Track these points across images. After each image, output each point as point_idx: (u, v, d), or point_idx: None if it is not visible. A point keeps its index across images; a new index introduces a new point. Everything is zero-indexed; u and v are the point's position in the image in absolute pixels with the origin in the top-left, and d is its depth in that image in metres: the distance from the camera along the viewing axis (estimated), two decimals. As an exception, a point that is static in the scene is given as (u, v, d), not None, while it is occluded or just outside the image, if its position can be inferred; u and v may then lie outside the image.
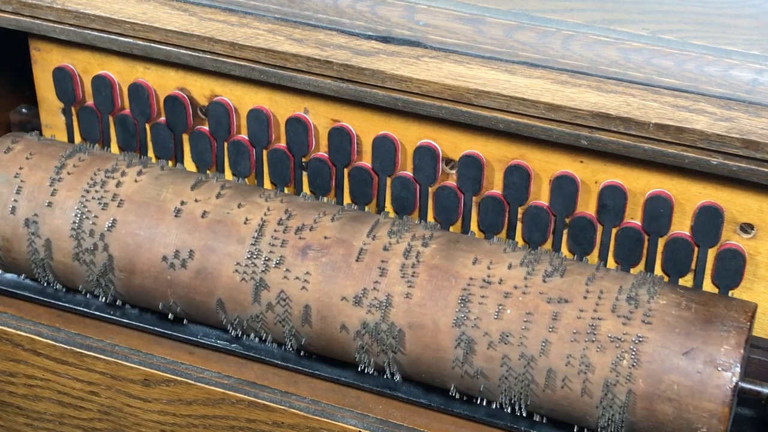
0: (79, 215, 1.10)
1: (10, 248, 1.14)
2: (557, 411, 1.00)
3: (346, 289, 1.03)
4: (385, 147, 1.13)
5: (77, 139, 1.27)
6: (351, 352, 1.05)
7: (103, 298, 1.13)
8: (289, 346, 1.07)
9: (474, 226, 1.14)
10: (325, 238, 1.05)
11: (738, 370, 0.94)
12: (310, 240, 1.05)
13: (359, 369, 1.06)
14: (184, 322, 1.13)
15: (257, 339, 1.09)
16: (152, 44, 1.14)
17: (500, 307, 0.99)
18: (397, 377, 1.05)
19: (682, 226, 1.07)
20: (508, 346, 0.98)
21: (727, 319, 0.96)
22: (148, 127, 1.23)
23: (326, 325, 1.04)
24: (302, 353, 1.09)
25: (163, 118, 1.22)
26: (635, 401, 0.96)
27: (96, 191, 1.11)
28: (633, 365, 0.96)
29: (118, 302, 1.14)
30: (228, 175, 1.22)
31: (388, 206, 1.16)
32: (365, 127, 1.14)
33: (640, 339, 0.96)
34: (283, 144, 1.18)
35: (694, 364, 0.94)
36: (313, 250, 1.04)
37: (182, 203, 1.09)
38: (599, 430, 0.99)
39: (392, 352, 1.02)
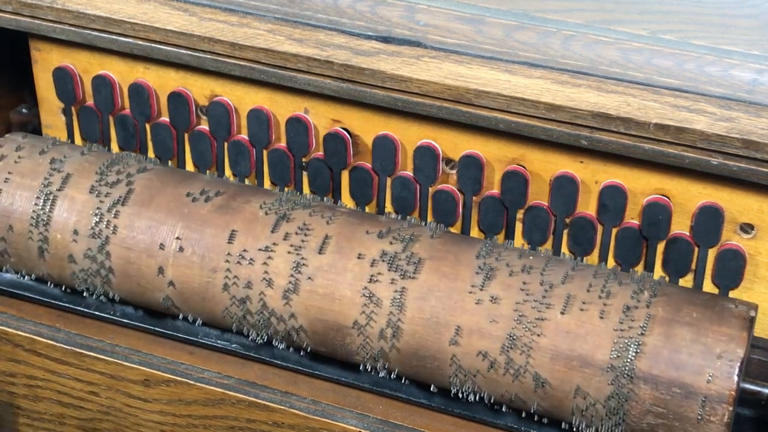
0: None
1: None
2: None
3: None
4: (385, 147, 1.13)
5: (77, 139, 1.27)
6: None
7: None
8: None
9: (474, 226, 1.14)
10: None
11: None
12: None
13: (361, 369, 1.06)
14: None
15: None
16: (152, 44, 1.14)
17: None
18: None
19: (682, 226, 1.07)
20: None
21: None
22: (148, 127, 1.23)
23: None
24: (302, 353, 1.09)
25: (163, 118, 1.22)
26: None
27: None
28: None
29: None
30: (228, 175, 1.22)
31: (388, 206, 1.16)
32: (365, 127, 1.14)
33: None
34: (283, 144, 1.18)
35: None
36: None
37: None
38: None
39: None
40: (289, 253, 1.04)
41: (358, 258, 1.03)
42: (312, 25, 1.11)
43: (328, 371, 1.10)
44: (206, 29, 1.11)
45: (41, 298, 1.18)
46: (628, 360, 0.95)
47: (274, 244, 1.05)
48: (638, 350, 0.96)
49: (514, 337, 0.98)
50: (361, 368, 1.06)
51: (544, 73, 1.04)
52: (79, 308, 1.17)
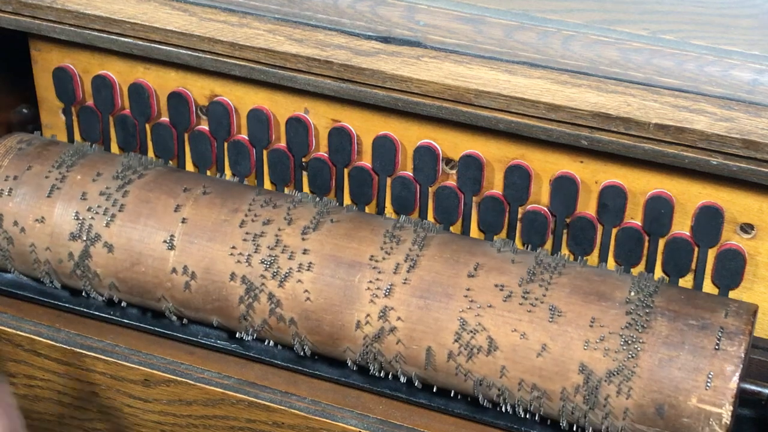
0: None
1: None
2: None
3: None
4: (385, 147, 1.13)
5: (77, 139, 1.27)
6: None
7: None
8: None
9: (474, 226, 1.14)
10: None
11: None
12: None
13: (348, 365, 1.06)
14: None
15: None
16: (152, 44, 1.14)
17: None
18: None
19: (682, 226, 1.07)
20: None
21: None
22: (148, 127, 1.23)
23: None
24: (303, 353, 1.09)
25: (163, 118, 1.22)
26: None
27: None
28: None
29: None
30: (228, 175, 1.22)
31: (388, 206, 1.16)
32: (365, 127, 1.14)
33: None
34: (283, 144, 1.18)
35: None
36: None
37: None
38: None
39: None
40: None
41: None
42: (312, 25, 1.11)
43: (328, 371, 1.10)
44: (206, 29, 1.11)
45: (41, 298, 1.18)
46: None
47: None
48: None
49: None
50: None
51: (544, 73, 1.04)
52: (79, 308, 1.17)
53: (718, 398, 0.94)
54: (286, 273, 1.05)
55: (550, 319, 0.98)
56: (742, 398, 0.96)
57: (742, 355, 0.94)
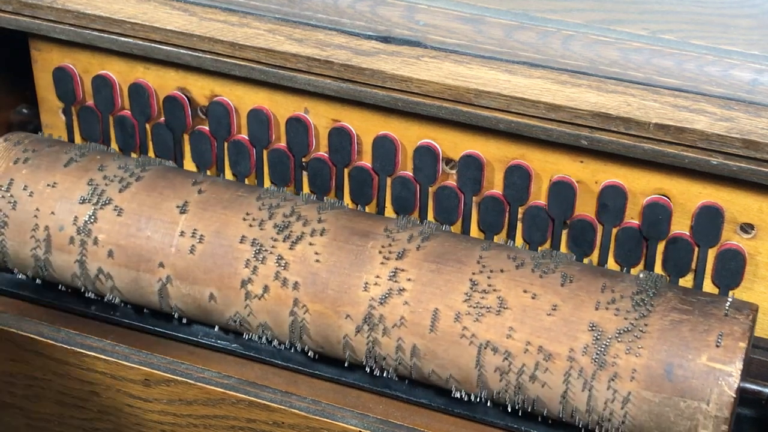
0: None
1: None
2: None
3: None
4: (385, 147, 1.13)
5: (77, 139, 1.27)
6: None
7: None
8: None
9: (474, 226, 1.14)
10: None
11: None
12: None
13: (346, 365, 1.06)
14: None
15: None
16: (152, 44, 1.14)
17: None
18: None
19: (682, 226, 1.07)
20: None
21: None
22: (148, 127, 1.23)
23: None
24: (302, 353, 1.09)
25: (163, 118, 1.22)
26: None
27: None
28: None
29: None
30: (228, 174, 1.22)
31: (388, 206, 1.16)
32: (365, 127, 1.14)
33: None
34: (283, 144, 1.18)
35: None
36: None
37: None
38: None
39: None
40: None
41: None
42: (312, 25, 1.11)
43: (328, 371, 1.10)
44: (206, 29, 1.11)
45: (41, 298, 1.18)
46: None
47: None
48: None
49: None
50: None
51: (544, 73, 1.04)
52: (79, 308, 1.17)
53: (728, 356, 0.93)
54: (299, 236, 1.05)
55: (562, 284, 0.99)
56: (743, 398, 0.96)
57: (751, 322, 0.95)
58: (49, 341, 1.14)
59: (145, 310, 1.15)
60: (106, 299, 1.13)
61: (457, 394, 1.03)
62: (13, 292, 1.19)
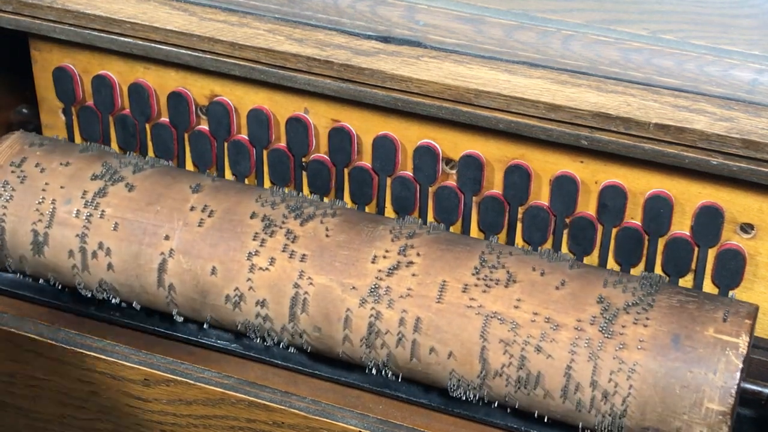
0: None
1: None
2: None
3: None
4: (385, 147, 1.13)
5: (77, 139, 1.27)
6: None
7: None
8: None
9: (474, 226, 1.14)
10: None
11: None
12: None
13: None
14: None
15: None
16: (152, 44, 1.14)
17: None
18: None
19: (682, 226, 1.07)
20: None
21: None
22: (148, 127, 1.23)
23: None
24: (302, 353, 1.09)
25: (163, 118, 1.22)
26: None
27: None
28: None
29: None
30: (228, 174, 1.22)
31: (388, 206, 1.16)
32: (365, 127, 1.14)
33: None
34: (283, 144, 1.18)
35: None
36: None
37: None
38: None
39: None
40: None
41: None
42: (312, 25, 1.11)
43: (328, 371, 1.10)
44: (206, 29, 1.11)
45: (41, 298, 1.18)
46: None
47: None
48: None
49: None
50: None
51: (544, 73, 1.04)
52: (79, 308, 1.17)
53: (735, 329, 0.94)
54: (311, 214, 1.06)
55: (570, 267, 1.01)
56: (743, 398, 0.96)
57: (753, 312, 0.97)
58: (49, 341, 1.14)
59: (145, 311, 1.15)
60: (93, 280, 1.11)
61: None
62: (13, 292, 1.19)
